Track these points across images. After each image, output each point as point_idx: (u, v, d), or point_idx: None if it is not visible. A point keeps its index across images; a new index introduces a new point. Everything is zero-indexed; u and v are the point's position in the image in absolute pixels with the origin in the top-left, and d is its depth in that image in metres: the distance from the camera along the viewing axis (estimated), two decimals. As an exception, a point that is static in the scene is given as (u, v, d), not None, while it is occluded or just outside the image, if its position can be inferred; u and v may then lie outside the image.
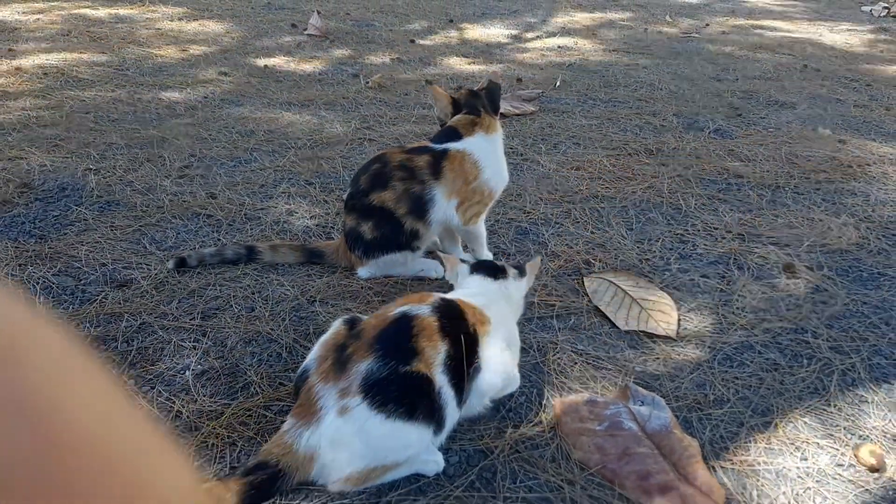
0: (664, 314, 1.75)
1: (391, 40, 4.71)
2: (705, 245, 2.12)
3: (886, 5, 6.54)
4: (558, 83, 3.82)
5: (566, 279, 1.92)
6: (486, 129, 1.88)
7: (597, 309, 1.78)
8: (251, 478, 1.13)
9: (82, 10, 5.07)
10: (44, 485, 0.23)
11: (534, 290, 1.83)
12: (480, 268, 1.54)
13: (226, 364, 1.54)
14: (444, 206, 1.82)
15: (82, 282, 1.83)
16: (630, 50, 4.70)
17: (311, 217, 2.23)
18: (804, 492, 1.25)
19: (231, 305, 1.75)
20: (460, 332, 1.28)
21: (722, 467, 1.30)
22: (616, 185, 2.53)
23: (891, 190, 2.55)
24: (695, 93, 3.73)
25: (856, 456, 1.33)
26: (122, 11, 5.15)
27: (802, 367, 1.59)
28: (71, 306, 1.73)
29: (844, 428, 1.41)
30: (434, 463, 1.25)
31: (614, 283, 1.87)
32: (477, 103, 1.91)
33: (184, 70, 3.79)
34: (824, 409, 1.46)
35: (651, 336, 1.68)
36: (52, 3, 5.23)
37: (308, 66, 4.00)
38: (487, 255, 1.96)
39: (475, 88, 1.98)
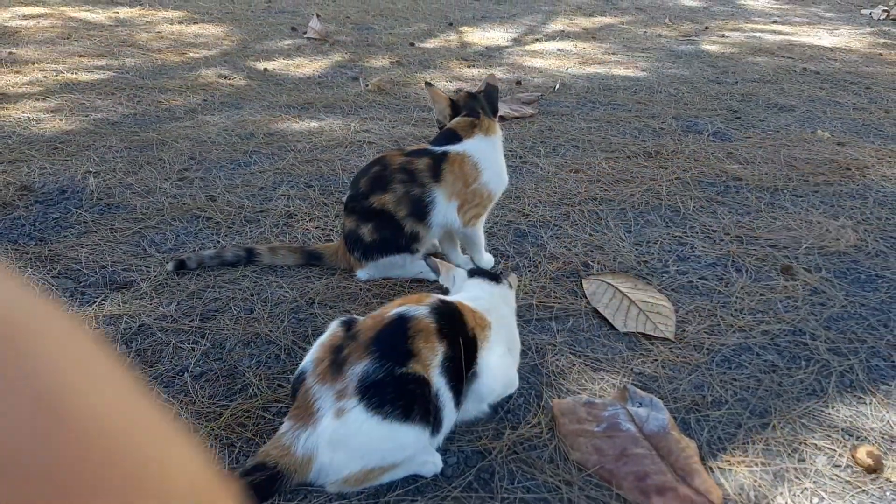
0: (662, 316, 1.75)
1: (391, 44, 4.72)
2: (703, 247, 2.12)
3: (886, 8, 6.55)
4: (557, 86, 3.83)
5: (565, 281, 1.92)
6: (485, 131, 1.89)
7: (595, 311, 1.78)
8: (249, 479, 1.14)
9: (82, 14, 5.08)
10: (55, 471, 0.23)
11: (532, 293, 1.84)
12: (479, 272, 1.55)
13: (224, 366, 1.55)
14: (444, 209, 1.82)
15: (82, 284, 1.83)
16: (629, 53, 4.71)
17: (310, 219, 2.23)
18: (801, 492, 1.26)
19: (230, 307, 1.75)
20: (458, 333, 1.28)
21: (720, 468, 1.30)
22: (615, 187, 2.53)
23: (889, 192, 2.55)
24: (694, 96, 3.74)
25: (853, 457, 1.33)
26: (122, 15, 5.16)
27: (800, 368, 1.59)
28: (70, 308, 1.73)
29: (842, 429, 1.41)
30: (432, 464, 1.26)
31: (613, 285, 1.87)
32: (475, 105, 1.92)
33: (183, 73, 3.80)
34: (822, 411, 1.46)
35: (649, 338, 1.68)
36: (53, 7, 5.25)
37: (308, 70, 4.01)
38: (486, 258, 1.96)
39: (473, 91, 1.99)
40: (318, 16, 4.95)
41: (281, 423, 1.23)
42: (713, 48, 4.96)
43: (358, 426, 1.14)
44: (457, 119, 1.91)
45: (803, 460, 1.33)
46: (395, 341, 1.21)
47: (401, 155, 1.85)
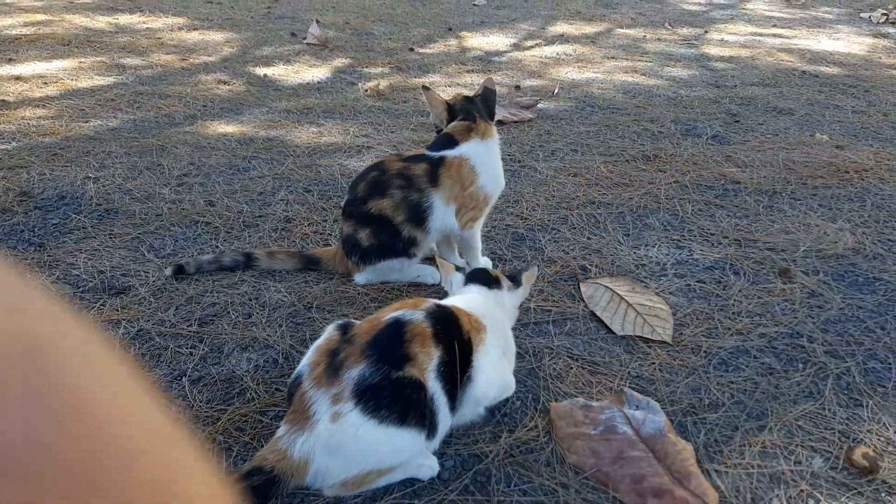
0: (660, 319, 1.75)
1: (390, 49, 4.74)
2: (702, 250, 2.13)
3: (885, 12, 6.56)
4: (556, 91, 3.84)
5: (562, 284, 1.93)
6: (481, 134, 1.89)
7: (593, 314, 1.79)
8: (246, 483, 1.14)
9: (83, 20, 5.10)
10: (68, 475, 0.24)
11: (530, 296, 1.84)
12: (476, 276, 1.55)
13: (222, 370, 1.55)
14: (442, 213, 1.83)
15: (80, 289, 1.84)
16: (628, 57, 4.72)
17: (308, 224, 2.24)
18: (798, 495, 1.26)
19: (228, 312, 1.76)
20: (454, 337, 1.28)
21: (716, 471, 1.31)
22: (613, 191, 2.54)
23: (887, 195, 2.56)
24: (693, 99, 3.74)
25: (849, 459, 1.33)
26: (123, 21, 5.18)
27: (797, 371, 1.59)
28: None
29: (839, 431, 1.41)
30: (428, 467, 1.26)
31: (610, 289, 1.87)
32: (472, 109, 1.92)
33: (183, 79, 3.81)
34: (819, 413, 1.46)
35: (647, 341, 1.68)
36: (53, 13, 5.27)
37: (307, 75, 4.03)
38: (483, 262, 1.97)
39: (470, 94, 2.00)
40: (317, 21, 4.97)
41: (278, 427, 1.23)
42: (712, 52, 4.97)
43: (354, 430, 1.15)
44: (453, 123, 1.92)
45: (799, 462, 1.33)
46: (391, 345, 1.22)
47: (399, 160, 1.86)
